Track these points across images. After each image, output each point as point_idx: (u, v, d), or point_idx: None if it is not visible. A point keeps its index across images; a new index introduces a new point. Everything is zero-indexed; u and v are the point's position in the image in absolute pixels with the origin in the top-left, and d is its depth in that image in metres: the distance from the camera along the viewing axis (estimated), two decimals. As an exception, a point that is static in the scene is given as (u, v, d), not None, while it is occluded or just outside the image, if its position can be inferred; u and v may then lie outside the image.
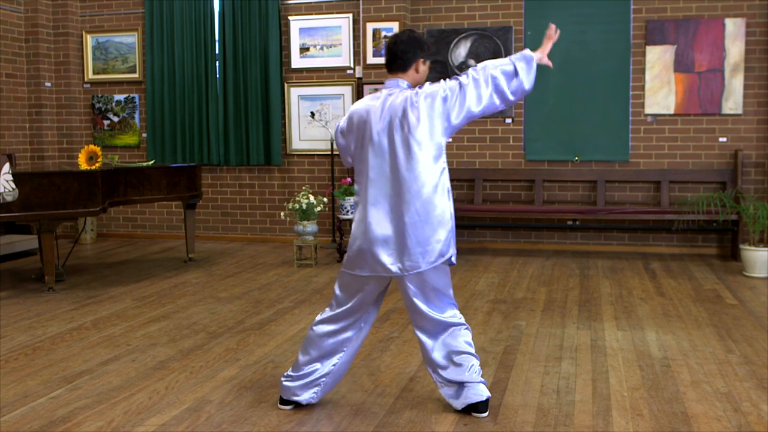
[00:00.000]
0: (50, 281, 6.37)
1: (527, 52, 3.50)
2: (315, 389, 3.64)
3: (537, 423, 3.47)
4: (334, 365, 3.63)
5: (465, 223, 8.46)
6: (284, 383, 3.66)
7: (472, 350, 3.56)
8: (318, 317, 3.64)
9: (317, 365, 3.61)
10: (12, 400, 3.84)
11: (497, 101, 3.44)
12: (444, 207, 3.39)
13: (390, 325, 5.18)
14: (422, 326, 3.54)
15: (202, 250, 8.41)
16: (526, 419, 3.51)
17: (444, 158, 3.45)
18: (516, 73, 3.43)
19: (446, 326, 3.52)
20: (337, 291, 3.57)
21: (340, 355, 3.62)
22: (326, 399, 3.78)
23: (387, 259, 3.38)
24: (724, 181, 7.81)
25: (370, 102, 3.49)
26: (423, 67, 3.53)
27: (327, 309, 3.62)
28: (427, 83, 3.48)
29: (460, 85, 3.40)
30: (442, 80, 3.45)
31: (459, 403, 3.55)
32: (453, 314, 3.55)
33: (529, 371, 4.20)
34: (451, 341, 3.52)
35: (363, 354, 4.52)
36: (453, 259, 3.46)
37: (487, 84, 3.40)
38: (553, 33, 3.61)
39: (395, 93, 3.45)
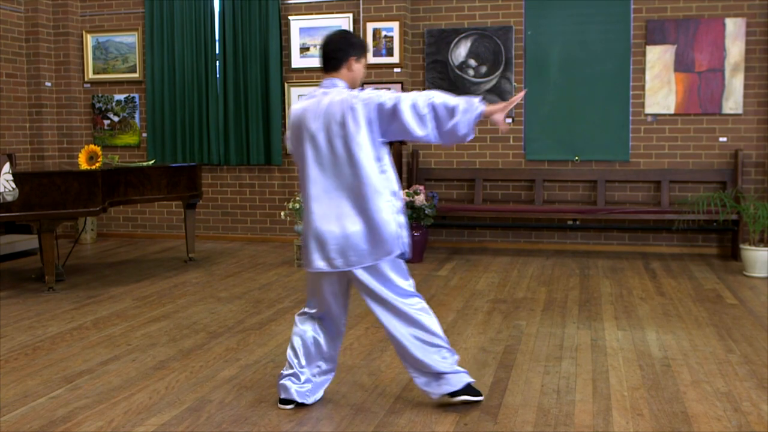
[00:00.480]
0: (50, 281, 6.37)
1: (480, 105, 3.43)
2: (307, 387, 3.67)
3: (537, 423, 3.47)
4: (318, 364, 3.68)
5: (465, 222, 8.46)
6: (280, 382, 3.70)
7: (439, 336, 3.59)
8: (298, 312, 3.75)
9: (303, 362, 3.66)
10: (12, 400, 3.84)
11: (419, 130, 3.38)
12: (386, 207, 3.41)
13: (390, 324, 5.17)
14: (386, 319, 3.55)
15: (203, 250, 8.41)
16: (527, 419, 3.51)
17: (386, 160, 3.47)
18: (455, 113, 3.37)
19: (406, 313, 3.54)
20: (307, 290, 3.69)
21: (322, 351, 3.67)
22: (326, 398, 3.78)
23: (332, 255, 3.45)
24: (725, 180, 7.81)
25: (307, 102, 3.53)
26: (357, 65, 3.54)
27: (305, 306, 3.73)
28: (369, 88, 3.48)
29: (399, 99, 3.37)
30: (384, 90, 3.47)
31: (436, 393, 3.61)
32: (415, 302, 3.58)
33: (529, 371, 4.19)
34: (416, 329, 3.55)
35: (363, 354, 4.52)
36: (404, 254, 3.52)
37: (424, 108, 3.37)
38: (520, 97, 3.58)
39: (331, 92, 3.48)
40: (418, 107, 3.36)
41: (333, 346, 3.71)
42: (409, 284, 3.56)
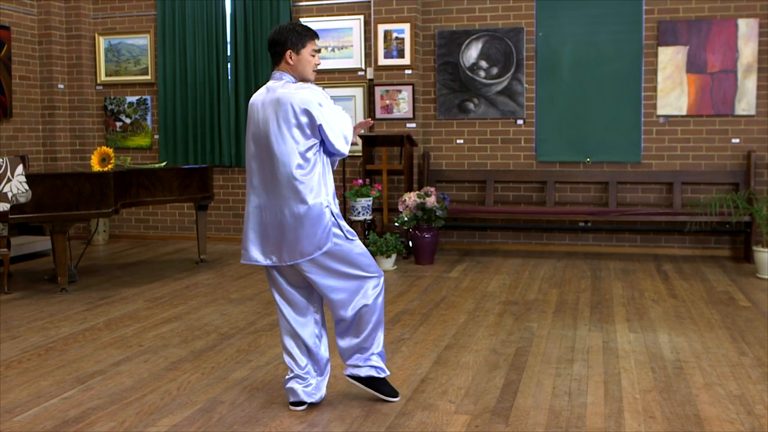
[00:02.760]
0: (63, 282, 6.40)
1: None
2: (313, 384, 3.69)
3: (549, 425, 3.46)
4: (313, 359, 3.70)
5: (476, 224, 8.45)
6: (286, 386, 3.72)
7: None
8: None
9: (303, 362, 3.68)
10: (25, 401, 3.86)
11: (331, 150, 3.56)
12: (317, 205, 3.46)
13: (401, 326, 5.18)
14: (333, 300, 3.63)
15: (214, 251, 8.43)
16: (538, 421, 3.51)
17: (320, 159, 3.52)
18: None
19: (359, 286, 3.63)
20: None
21: (312, 346, 3.70)
22: (337, 400, 3.79)
23: (261, 251, 3.56)
24: (737, 182, 7.77)
25: (259, 95, 3.62)
26: (296, 57, 3.56)
27: None
28: (314, 87, 3.54)
29: (329, 117, 3.49)
30: (324, 98, 3.52)
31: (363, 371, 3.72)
32: (374, 284, 3.65)
33: (540, 373, 4.19)
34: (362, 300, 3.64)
35: (374, 355, 4.52)
36: (334, 243, 3.53)
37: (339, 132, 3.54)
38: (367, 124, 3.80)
39: (276, 85, 3.55)
40: (337, 128, 3.55)
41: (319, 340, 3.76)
42: (362, 265, 3.65)
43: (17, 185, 6.22)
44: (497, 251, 8.29)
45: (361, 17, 8.52)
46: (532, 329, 5.09)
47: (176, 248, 8.76)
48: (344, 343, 3.68)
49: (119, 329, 5.23)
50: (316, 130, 3.46)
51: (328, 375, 3.80)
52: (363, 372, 3.69)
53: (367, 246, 7.42)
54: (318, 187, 3.47)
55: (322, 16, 8.67)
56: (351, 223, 7.65)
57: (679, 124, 7.93)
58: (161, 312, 5.71)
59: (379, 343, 3.70)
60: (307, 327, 3.67)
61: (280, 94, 3.48)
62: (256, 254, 3.57)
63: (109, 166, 6.61)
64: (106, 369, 4.36)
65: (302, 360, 3.67)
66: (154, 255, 8.33)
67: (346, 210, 8.14)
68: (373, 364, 3.69)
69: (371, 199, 7.50)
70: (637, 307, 5.68)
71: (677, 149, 7.94)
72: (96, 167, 6.59)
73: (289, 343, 3.68)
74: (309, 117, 3.44)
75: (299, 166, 3.44)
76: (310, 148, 3.47)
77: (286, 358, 3.69)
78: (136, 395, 3.92)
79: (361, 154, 8.35)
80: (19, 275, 7.22)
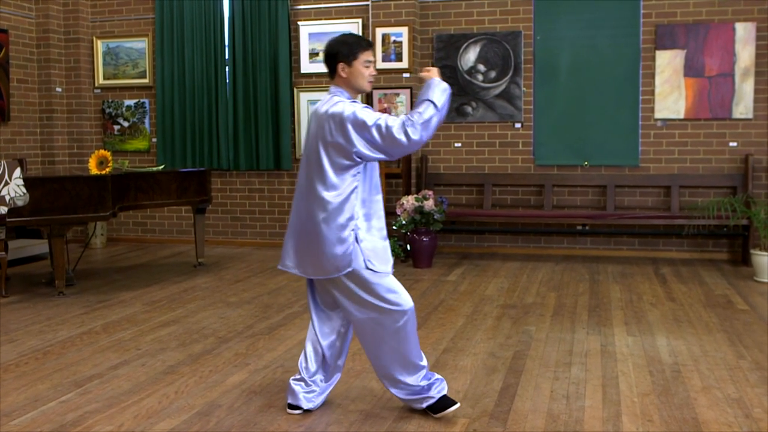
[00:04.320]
0: (60, 285, 6.39)
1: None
2: (315, 391, 3.69)
3: (547, 428, 3.46)
4: (324, 368, 3.70)
5: (474, 228, 8.45)
6: (290, 386, 3.72)
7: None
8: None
9: (313, 368, 3.69)
10: (22, 404, 3.85)
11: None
12: (341, 226, 3.41)
13: (399, 329, 5.17)
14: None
15: (212, 255, 8.43)
16: (536, 424, 3.50)
17: (354, 177, 3.44)
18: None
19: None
20: None
21: (328, 356, 3.69)
22: (336, 403, 3.78)
23: (293, 260, 3.59)
24: (735, 185, 7.78)
25: (317, 105, 3.60)
26: (348, 69, 3.49)
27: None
28: (360, 106, 3.42)
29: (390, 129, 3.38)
30: (371, 113, 3.41)
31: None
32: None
33: (538, 377, 4.18)
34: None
35: (372, 359, 4.52)
36: (354, 268, 3.45)
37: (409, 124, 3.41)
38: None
39: (325, 100, 3.52)
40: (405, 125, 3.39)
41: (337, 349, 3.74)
42: (382, 297, 3.54)
43: (15, 188, 6.22)
44: (495, 254, 8.29)
45: (360, 21, 8.53)
46: (530, 333, 5.09)
47: (174, 252, 8.75)
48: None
49: (117, 333, 5.22)
50: (351, 153, 3.38)
51: (335, 383, 3.81)
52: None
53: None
54: (346, 209, 3.41)
55: (321, 19, 8.68)
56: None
57: (677, 127, 7.93)
58: (159, 315, 5.71)
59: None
60: (329, 338, 3.67)
61: (324, 109, 3.46)
62: (289, 262, 3.60)
63: (107, 170, 6.60)
64: (103, 372, 4.35)
65: (313, 366, 3.68)
66: (152, 258, 8.32)
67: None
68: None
69: (369, 202, 7.49)
70: (635, 311, 5.68)
71: (675, 153, 7.95)
72: (94, 170, 6.59)
73: (309, 348, 3.69)
74: (344, 137, 3.37)
75: (331, 186, 3.40)
76: (344, 169, 3.41)
77: (301, 360, 3.71)
78: (134, 399, 3.91)
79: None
80: (17, 279, 7.21)
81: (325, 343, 3.67)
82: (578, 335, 5.02)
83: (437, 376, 3.65)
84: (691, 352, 4.62)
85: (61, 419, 3.65)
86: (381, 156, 3.43)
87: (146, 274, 7.41)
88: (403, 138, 3.34)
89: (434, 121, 3.37)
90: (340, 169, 3.42)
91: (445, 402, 3.58)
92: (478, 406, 3.74)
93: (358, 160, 3.41)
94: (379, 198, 3.58)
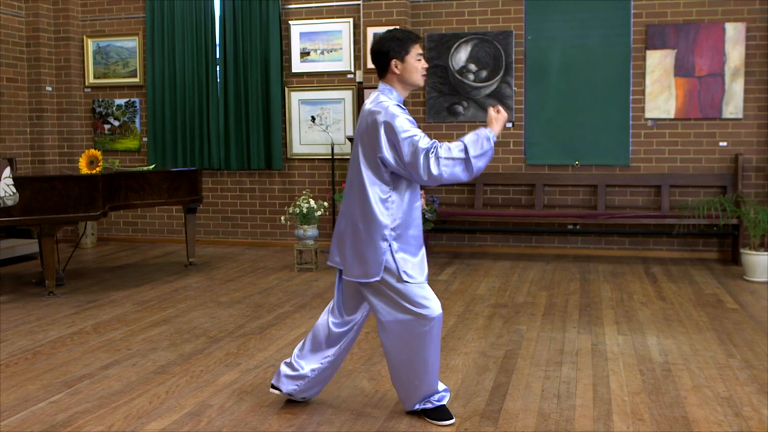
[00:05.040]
0: (51, 285, 6.37)
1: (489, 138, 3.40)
2: (299, 378, 3.67)
3: (538, 427, 3.47)
4: (320, 363, 3.66)
5: (465, 227, 8.46)
6: (280, 365, 3.74)
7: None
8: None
9: (306, 352, 3.68)
10: (12, 405, 3.84)
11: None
12: (374, 233, 3.37)
13: (390, 329, 5.17)
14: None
15: (203, 255, 8.41)
16: (527, 423, 3.51)
17: (398, 185, 3.39)
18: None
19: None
20: None
21: (329, 352, 3.66)
22: (327, 403, 3.78)
23: (335, 256, 3.58)
24: (725, 185, 7.81)
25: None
26: (401, 65, 3.42)
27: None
28: (402, 113, 3.32)
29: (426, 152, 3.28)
30: (405, 122, 3.32)
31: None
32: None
33: (529, 376, 4.19)
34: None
35: (363, 359, 4.52)
36: (384, 277, 3.40)
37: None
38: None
39: (374, 99, 3.45)
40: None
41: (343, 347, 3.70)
42: (405, 307, 3.51)
43: (5, 188, 6.19)
44: (486, 254, 8.30)
45: (351, 20, 8.52)
46: (521, 332, 5.10)
47: (165, 251, 8.73)
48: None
49: (107, 333, 5.20)
50: (376, 157, 3.35)
51: (324, 384, 3.80)
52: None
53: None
54: (381, 215, 3.36)
55: (312, 18, 8.67)
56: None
57: (668, 127, 7.96)
58: (150, 315, 5.69)
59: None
60: (334, 334, 3.64)
61: (368, 107, 3.42)
62: (336, 257, 3.57)
63: (98, 169, 6.58)
64: (94, 373, 4.34)
65: (308, 357, 3.66)
66: (143, 258, 8.30)
67: (335, 213, 8.14)
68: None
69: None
70: (626, 310, 5.70)
71: (665, 152, 7.98)
72: (84, 170, 6.57)
73: (311, 335, 3.68)
74: (374, 138, 3.33)
75: (371, 186, 3.36)
76: (379, 171, 3.36)
77: (299, 344, 3.71)
78: (125, 399, 3.90)
79: (350, 156, 8.35)
80: (7, 278, 7.18)
81: (330, 338, 3.63)
82: (569, 334, 5.03)
83: (444, 386, 3.64)
84: (681, 350, 4.64)
85: (52, 419, 3.63)
86: (403, 171, 3.33)
87: (137, 273, 7.39)
88: (422, 161, 3.25)
89: (458, 169, 3.28)
90: (374, 171, 3.37)
91: (442, 412, 3.55)
92: (469, 405, 3.74)
93: (383, 166, 3.36)
94: (419, 206, 3.50)
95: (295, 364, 3.68)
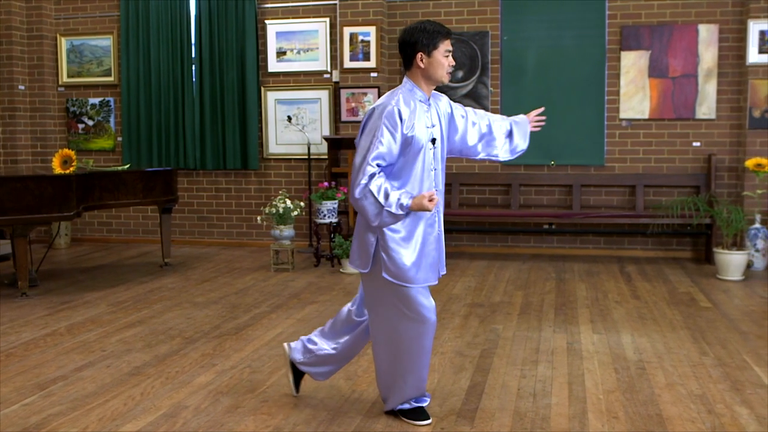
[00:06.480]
0: (23, 286, 6.30)
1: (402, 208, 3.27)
2: (306, 355, 3.73)
3: (514, 426, 3.48)
4: (333, 345, 3.70)
5: (442, 227, 8.45)
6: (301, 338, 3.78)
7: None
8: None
9: (326, 330, 3.73)
10: (-16, 407, 3.79)
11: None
12: (362, 225, 3.42)
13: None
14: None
15: (178, 255, 8.36)
16: (503, 422, 3.52)
17: (371, 173, 3.27)
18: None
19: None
20: None
21: (342, 339, 3.68)
22: (304, 403, 3.77)
23: None
24: (698, 185, 7.89)
25: None
26: (427, 60, 3.33)
27: None
28: (394, 114, 3.25)
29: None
30: (372, 117, 3.33)
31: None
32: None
33: (505, 375, 4.21)
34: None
35: (340, 358, 4.52)
36: (373, 272, 3.41)
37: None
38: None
39: (388, 93, 3.46)
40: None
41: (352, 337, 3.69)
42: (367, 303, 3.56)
43: (-24, 188, 6.11)
44: (463, 254, 8.33)
45: (327, 20, 8.51)
46: (497, 331, 5.12)
47: (140, 252, 8.67)
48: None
49: (81, 334, 5.16)
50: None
51: (328, 374, 3.80)
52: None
53: (332, 249, 7.42)
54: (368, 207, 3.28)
55: (288, 18, 8.65)
56: (316, 226, 7.63)
57: (642, 127, 8.03)
58: (125, 316, 5.65)
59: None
60: (351, 321, 3.63)
61: (382, 101, 3.38)
62: None
63: (71, 169, 6.52)
64: (67, 374, 4.30)
65: (325, 336, 3.70)
66: (118, 258, 8.23)
67: (311, 213, 8.12)
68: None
69: (337, 202, 7.49)
70: (601, 309, 5.74)
71: (640, 152, 8.05)
72: (58, 170, 6.50)
73: (334, 318, 3.71)
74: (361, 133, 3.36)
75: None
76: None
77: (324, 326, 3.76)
78: (99, 401, 3.87)
79: (326, 156, 8.35)
80: (-21, 280, 7.10)
81: (349, 325, 3.65)
82: (545, 333, 5.06)
83: (427, 393, 3.65)
84: (655, 349, 4.68)
85: (24, 422, 3.59)
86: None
87: (111, 274, 7.33)
88: (357, 176, 3.24)
89: (371, 209, 3.22)
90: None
91: (419, 413, 3.54)
92: (445, 405, 3.75)
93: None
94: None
95: (314, 338, 3.74)
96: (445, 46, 3.36)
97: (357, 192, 3.24)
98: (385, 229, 3.32)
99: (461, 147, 3.71)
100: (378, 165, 3.25)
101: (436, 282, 3.49)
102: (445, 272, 3.60)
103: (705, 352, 4.62)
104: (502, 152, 3.84)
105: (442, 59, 3.35)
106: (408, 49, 3.37)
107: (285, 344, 3.88)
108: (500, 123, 3.81)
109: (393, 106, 3.29)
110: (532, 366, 4.36)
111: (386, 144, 3.25)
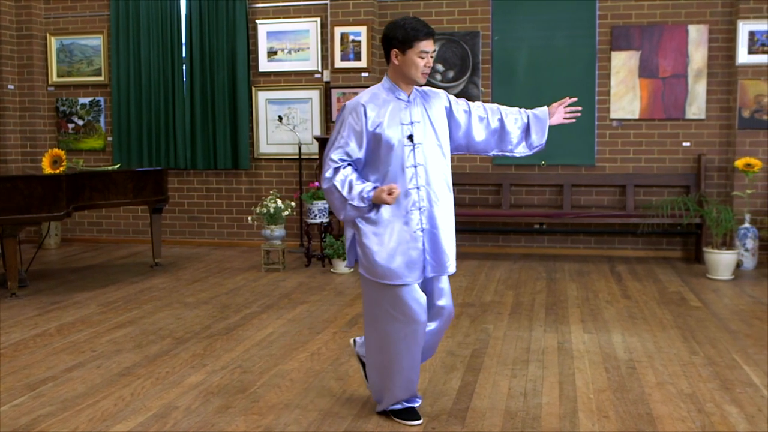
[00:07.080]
0: (13, 287, 6.27)
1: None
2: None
3: (504, 426, 3.49)
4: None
5: (433, 226, 8.46)
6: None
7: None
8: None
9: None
10: (-27, 408, 3.78)
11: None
12: (346, 222, 3.47)
13: (357, 329, 5.17)
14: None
15: (169, 255, 8.34)
16: (494, 422, 3.53)
17: (335, 167, 3.32)
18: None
19: None
20: None
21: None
22: (294, 403, 3.77)
23: None
24: (688, 185, 7.92)
25: None
26: (401, 58, 3.30)
27: None
28: (358, 112, 3.29)
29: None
30: (343, 115, 3.35)
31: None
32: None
33: (496, 374, 4.21)
34: None
35: (331, 359, 4.51)
36: (347, 264, 3.56)
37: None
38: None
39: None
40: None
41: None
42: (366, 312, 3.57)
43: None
44: (454, 253, 8.32)
45: (318, 20, 8.50)
46: (488, 331, 5.13)
47: (130, 252, 8.64)
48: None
49: (71, 334, 5.14)
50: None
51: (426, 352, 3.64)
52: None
53: (323, 249, 7.42)
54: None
55: (279, 18, 8.64)
56: (307, 226, 7.62)
57: (632, 127, 8.05)
58: (115, 317, 5.63)
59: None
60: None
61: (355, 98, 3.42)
62: None
63: (61, 169, 6.50)
64: (57, 375, 4.28)
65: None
66: (108, 259, 8.21)
67: (302, 213, 8.11)
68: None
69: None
70: (592, 308, 5.76)
71: (630, 152, 8.07)
72: (47, 170, 6.48)
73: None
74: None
75: None
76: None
77: None
78: (89, 401, 3.85)
79: (317, 156, 8.34)
80: (-32, 280, 7.06)
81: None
82: (536, 333, 5.07)
83: (419, 395, 3.63)
84: (645, 348, 4.69)
85: (14, 423, 3.58)
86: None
87: (101, 274, 7.30)
88: (325, 164, 3.32)
89: (335, 200, 3.29)
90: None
91: (410, 413, 3.53)
92: (436, 405, 3.75)
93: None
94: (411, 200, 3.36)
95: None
96: (423, 46, 3.27)
97: (323, 184, 3.33)
98: (360, 225, 3.34)
99: (468, 143, 3.69)
100: (341, 160, 3.30)
101: (414, 282, 3.34)
102: (450, 272, 3.43)
103: (695, 351, 4.64)
104: (518, 148, 3.80)
105: (417, 59, 3.28)
106: (385, 44, 3.38)
107: (351, 339, 3.92)
108: (515, 117, 3.75)
109: (359, 102, 3.32)
110: (523, 366, 4.37)
111: (347, 139, 3.30)
